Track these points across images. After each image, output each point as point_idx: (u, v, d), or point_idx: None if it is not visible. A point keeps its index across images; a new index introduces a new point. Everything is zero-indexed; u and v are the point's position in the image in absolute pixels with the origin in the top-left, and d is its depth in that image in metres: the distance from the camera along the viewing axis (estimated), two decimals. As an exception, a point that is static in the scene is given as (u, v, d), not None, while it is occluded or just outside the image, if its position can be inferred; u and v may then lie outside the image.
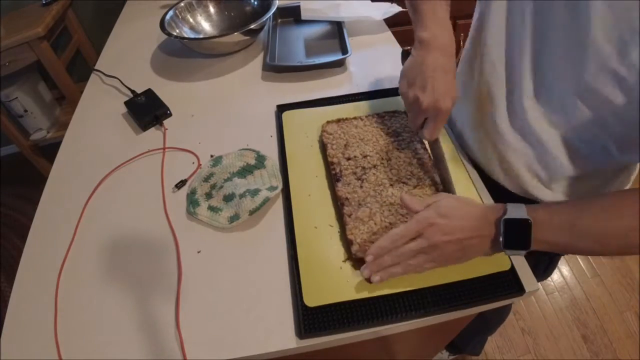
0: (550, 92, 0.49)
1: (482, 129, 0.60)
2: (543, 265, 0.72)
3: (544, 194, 0.57)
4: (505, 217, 0.43)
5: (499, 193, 0.59)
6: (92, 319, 0.51)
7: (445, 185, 0.56)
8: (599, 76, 0.42)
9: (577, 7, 0.41)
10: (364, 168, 0.59)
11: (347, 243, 0.52)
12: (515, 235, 0.43)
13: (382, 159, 0.60)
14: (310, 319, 0.47)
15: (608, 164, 0.51)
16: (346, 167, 0.59)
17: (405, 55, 0.59)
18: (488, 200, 0.58)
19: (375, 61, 0.86)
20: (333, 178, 0.59)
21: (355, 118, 0.67)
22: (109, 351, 0.48)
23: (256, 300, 0.50)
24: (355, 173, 0.58)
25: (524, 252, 0.43)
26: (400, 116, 0.67)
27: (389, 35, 0.94)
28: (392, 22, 0.99)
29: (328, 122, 0.67)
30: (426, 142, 0.61)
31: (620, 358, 1.22)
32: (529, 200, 0.58)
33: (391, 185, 0.56)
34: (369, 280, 0.47)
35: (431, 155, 0.60)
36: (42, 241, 0.60)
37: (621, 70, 0.39)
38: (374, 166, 0.59)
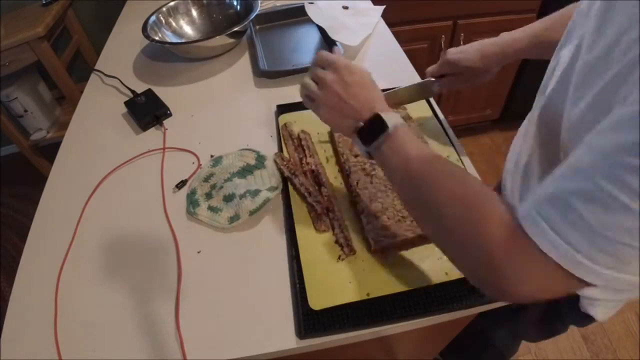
0: None
1: None
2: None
3: None
4: (378, 112, 0.44)
5: None
6: (92, 319, 0.51)
7: None
8: None
9: None
10: (372, 164, 0.59)
11: (365, 239, 0.52)
12: (371, 129, 0.44)
13: None
14: (311, 319, 0.47)
15: None
16: (354, 164, 0.60)
17: None
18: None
19: (376, 60, 0.86)
20: (344, 173, 0.60)
21: None
22: (109, 351, 0.48)
23: (256, 300, 0.50)
24: (364, 169, 0.59)
25: (363, 146, 0.45)
26: (403, 110, 0.68)
27: (388, 34, 0.94)
28: (391, 22, 0.99)
29: None
30: None
31: (620, 358, 1.22)
32: None
33: None
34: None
35: None
36: (42, 241, 0.60)
37: None
38: None
